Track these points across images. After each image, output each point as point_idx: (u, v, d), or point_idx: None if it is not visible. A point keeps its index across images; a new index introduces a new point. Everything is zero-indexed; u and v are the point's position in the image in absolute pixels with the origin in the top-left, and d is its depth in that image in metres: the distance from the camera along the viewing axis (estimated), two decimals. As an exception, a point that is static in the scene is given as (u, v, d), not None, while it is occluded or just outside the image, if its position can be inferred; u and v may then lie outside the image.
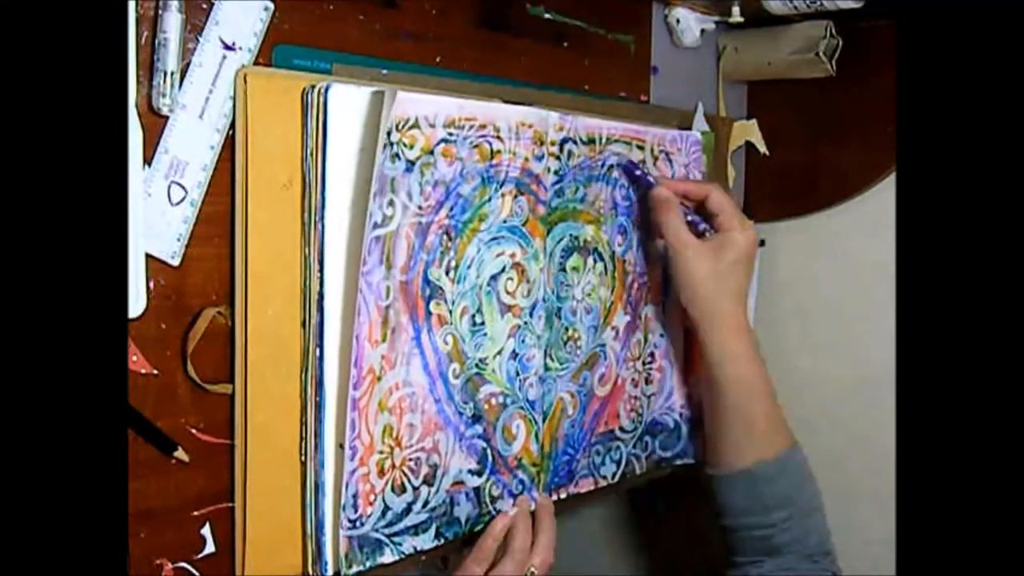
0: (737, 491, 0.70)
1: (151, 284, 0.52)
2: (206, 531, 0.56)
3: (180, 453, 0.53)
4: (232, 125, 0.54)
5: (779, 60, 0.87)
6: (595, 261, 0.72)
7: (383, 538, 0.59)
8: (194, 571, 0.55)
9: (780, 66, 0.87)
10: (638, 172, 0.72)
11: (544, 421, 0.69)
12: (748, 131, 0.93)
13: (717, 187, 0.72)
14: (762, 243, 0.95)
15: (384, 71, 0.61)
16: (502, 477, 0.66)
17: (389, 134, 0.55)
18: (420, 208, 0.58)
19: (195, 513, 0.55)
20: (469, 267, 0.62)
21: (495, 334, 0.64)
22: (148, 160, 0.52)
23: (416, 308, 0.59)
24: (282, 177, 0.55)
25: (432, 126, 0.58)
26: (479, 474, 0.65)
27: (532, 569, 0.62)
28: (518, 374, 0.67)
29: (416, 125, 0.57)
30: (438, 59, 0.66)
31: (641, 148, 0.75)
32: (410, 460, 0.60)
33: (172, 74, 0.51)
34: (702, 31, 0.85)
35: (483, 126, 0.61)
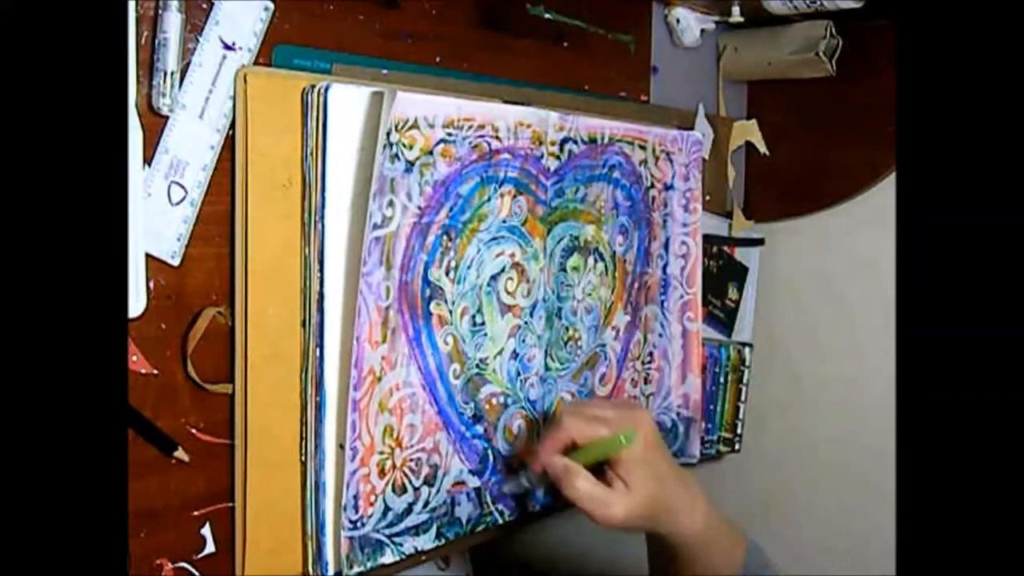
0: None
1: (151, 284, 0.52)
2: (206, 531, 0.56)
3: (180, 453, 0.53)
4: (232, 125, 0.54)
5: (779, 60, 0.87)
6: (595, 261, 0.72)
7: (384, 539, 0.59)
8: (194, 571, 0.55)
9: (780, 66, 0.87)
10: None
11: (545, 421, 0.69)
12: (748, 131, 0.93)
13: (571, 415, 0.61)
14: (762, 242, 0.95)
15: (384, 71, 0.61)
16: (503, 477, 0.66)
17: (389, 135, 0.55)
18: (420, 208, 0.58)
19: (195, 513, 0.55)
20: (469, 267, 0.62)
21: (495, 334, 0.64)
22: (148, 160, 0.52)
23: (416, 309, 0.59)
24: (282, 177, 0.55)
25: (431, 126, 0.58)
26: (480, 474, 0.65)
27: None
28: (519, 374, 0.67)
29: (415, 126, 0.57)
30: (438, 59, 0.66)
31: (643, 148, 0.75)
32: (411, 460, 0.60)
33: (172, 74, 0.51)
34: (702, 31, 0.85)
35: (481, 126, 0.61)
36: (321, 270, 0.56)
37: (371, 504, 0.58)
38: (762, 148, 0.93)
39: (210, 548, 0.56)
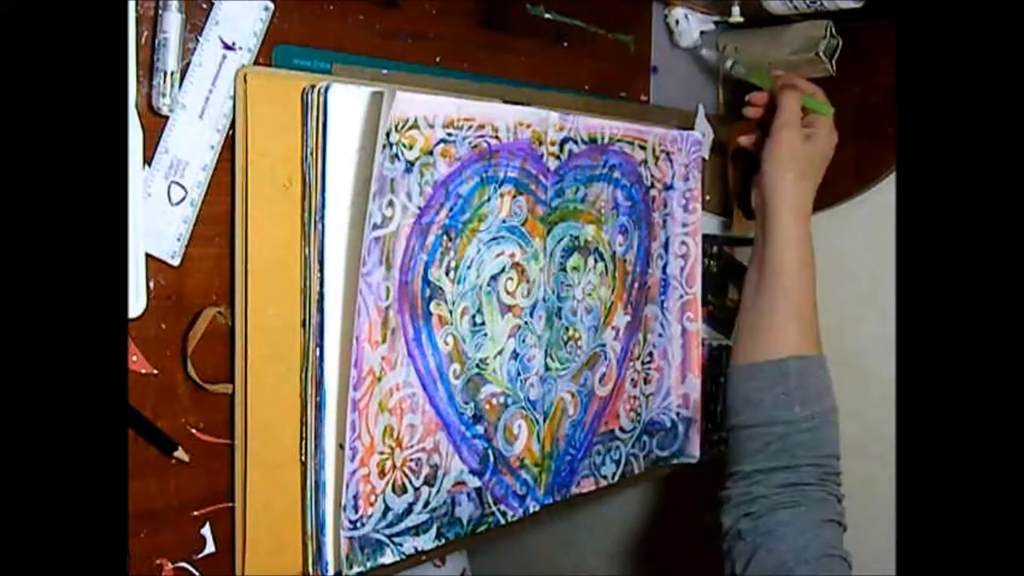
0: (768, 382, 0.69)
1: (151, 284, 0.52)
2: (206, 531, 0.56)
3: (180, 453, 0.53)
4: (232, 125, 0.54)
5: (779, 60, 0.87)
6: (595, 261, 0.72)
7: (384, 539, 0.59)
8: (194, 571, 0.55)
9: (780, 66, 0.87)
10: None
11: (545, 421, 0.69)
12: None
13: (820, 91, 0.78)
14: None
15: (384, 71, 0.61)
16: (503, 477, 0.66)
17: (388, 135, 0.55)
18: (420, 208, 0.58)
19: (195, 513, 0.55)
20: (469, 267, 0.62)
21: (495, 334, 0.64)
22: (148, 160, 0.52)
23: (416, 309, 0.59)
24: (282, 177, 0.55)
25: (431, 126, 0.58)
26: (480, 474, 0.65)
27: None
28: (519, 374, 0.66)
29: (415, 126, 0.57)
30: (438, 59, 0.66)
31: (643, 148, 0.75)
32: (411, 460, 0.60)
33: (172, 74, 0.51)
34: (702, 32, 0.86)
35: (481, 126, 0.61)
36: (321, 270, 0.56)
37: (371, 504, 0.58)
38: (762, 148, 0.93)
39: (210, 548, 0.56)
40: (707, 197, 0.87)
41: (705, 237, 0.84)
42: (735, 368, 0.72)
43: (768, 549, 0.64)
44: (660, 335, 0.79)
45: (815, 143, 0.76)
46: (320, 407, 0.56)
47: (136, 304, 0.51)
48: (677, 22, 0.84)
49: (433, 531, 0.62)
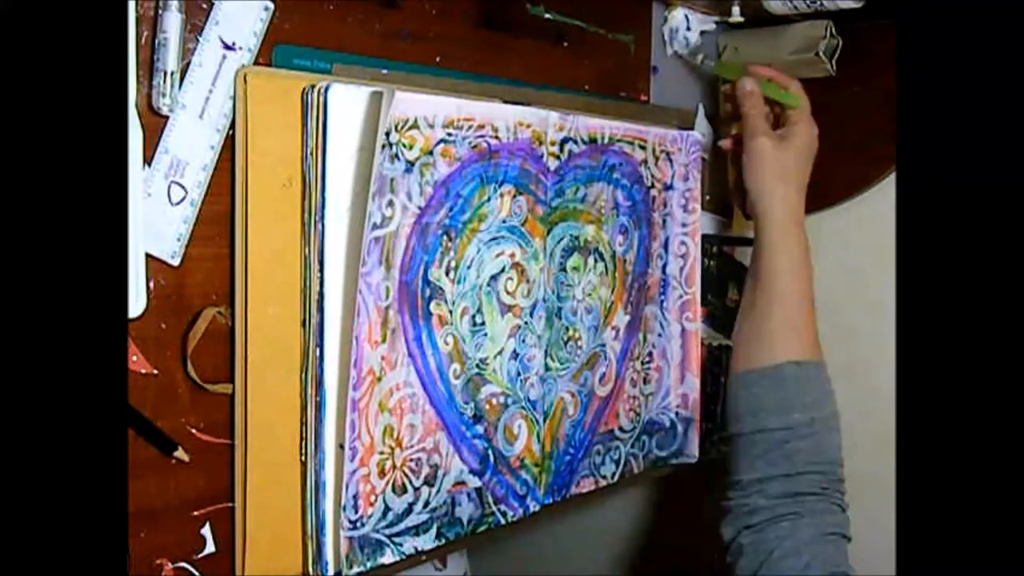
0: (765, 388, 0.68)
1: (151, 284, 0.52)
2: (206, 531, 0.56)
3: (180, 453, 0.53)
4: (232, 125, 0.54)
5: (779, 60, 0.87)
6: (595, 261, 0.72)
7: (384, 539, 0.59)
8: (194, 571, 0.55)
9: (780, 66, 0.87)
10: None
11: (545, 421, 0.69)
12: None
13: (797, 82, 0.77)
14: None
15: (384, 71, 0.61)
16: (504, 477, 0.66)
17: (388, 135, 0.55)
18: (420, 208, 0.58)
19: (195, 513, 0.55)
20: (469, 267, 0.62)
21: (495, 334, 0.64)
22: (148, 160, 0.52)
23: (416, 308, 0.59)
24: (282, 177, 0.55)
25: (431, 126, 0.58)
26: (480, 474, 0.65)
27: None
28: (519, 374, 0.66)
29: (415, 126, 0.57)
30: (438, 59, 0.66)
31: (643, 148, 0.75)
32: (411, 460, 0.60)
33: (172, 74, 0.51)
34: (702, 32, 0.86)
35: (481, 126, 0.61)
36: (321, 270, 0.56)
37: (371, 504, 0.58)
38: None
39: (210, 548, 0.56)
40: (707, 197, 0.87)
41: (705, 237, 0.84)
42: (734, 376, 0.72)
43: (769, 570, 0.63)
44: (659, 335, 0.79)
45: (791, 142, 0.74)
46: (320, 407, 0.56)
47: (136, 304, 0.51)
48: (676, 29, 0.84)
49: (433, 531, 0.62)
